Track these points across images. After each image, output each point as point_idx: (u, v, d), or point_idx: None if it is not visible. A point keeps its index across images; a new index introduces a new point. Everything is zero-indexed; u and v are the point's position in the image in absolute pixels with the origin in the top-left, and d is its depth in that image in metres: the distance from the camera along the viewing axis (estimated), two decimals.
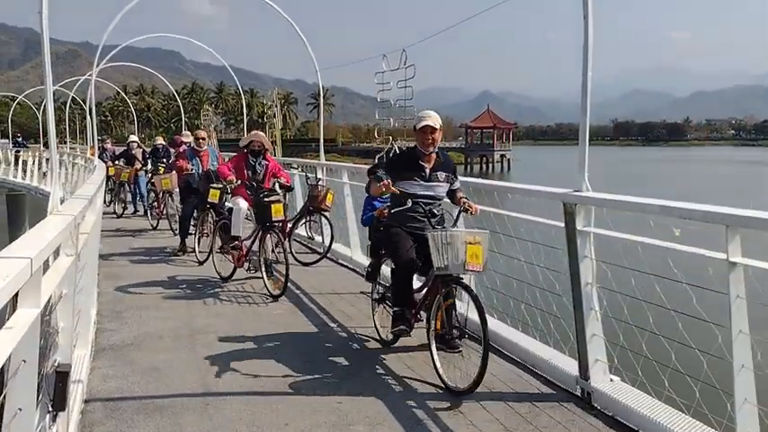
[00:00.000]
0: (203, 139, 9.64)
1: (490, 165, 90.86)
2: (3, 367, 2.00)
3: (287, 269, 6.72)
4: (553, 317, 4.76)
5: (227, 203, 10.08)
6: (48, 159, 22.96)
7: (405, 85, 6.48)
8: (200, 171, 9.30)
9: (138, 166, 14.14)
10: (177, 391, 4.27)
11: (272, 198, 6.94)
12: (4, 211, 26.04)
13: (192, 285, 7.41)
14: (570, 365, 4.30)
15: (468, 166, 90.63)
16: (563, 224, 4.11)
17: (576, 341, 4.14)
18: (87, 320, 4.86)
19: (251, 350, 5.13)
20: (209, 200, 8.54)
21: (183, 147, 11.50)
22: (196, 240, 9.11)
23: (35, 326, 2.23)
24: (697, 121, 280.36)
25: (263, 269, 7.02)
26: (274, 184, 7.42)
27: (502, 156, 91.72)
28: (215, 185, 8.41)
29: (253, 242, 7.23)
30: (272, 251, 7.15)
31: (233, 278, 7.58)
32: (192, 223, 9.65)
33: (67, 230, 2.82)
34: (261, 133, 7.89)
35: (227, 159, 8.96)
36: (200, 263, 8.56)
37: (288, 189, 7.77)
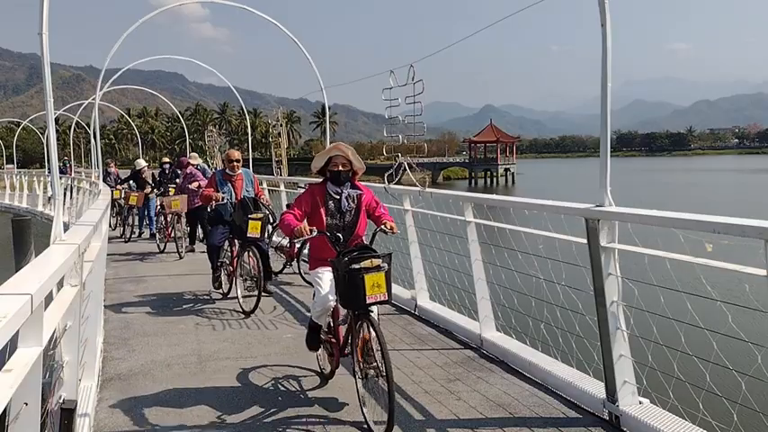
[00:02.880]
0: (237, 161, 7.71)
1: (494, 179, 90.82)
2: (3, 412, 1.85)
3: (388, 377, 3.68)
4: (576, 337, 4.59)
5: (277, 238, 9.43)
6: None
7: (413, 101, 6.34)
8: (234, 199, 7.55)
9: (149, 189, 14.06)
10: (189, 423, 4.10)
11: (365, 262, 3.88)
12: (10, 236, 25.94)
13: (201, 310, 7.26)
14: (596, 387, 4.12)
15: (473, 181, 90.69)
16: (585, 240, 3.96)
17: (601, 362, 3.96)
18: (93, 349, 4.71)
19: (263, 377, 4.96)
20: (249, 234, 7.05)
21: (190, 168, 11.41)
22: (238, 285, 7.37)
23: (37, 365, 2.08)
24: (700, 130, 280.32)
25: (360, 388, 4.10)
26: (375, 233, 4.40)
27: (506, 170, 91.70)
28: (254, 216, 7.01)
29: (349, 333, 4.26)
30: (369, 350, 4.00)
31: (256, 312, 7.06)
32: (221, 259, 7.90)
33: (71, 261, 2.68)
34: (345, 144, 4.66)
35: (264, 185, 7.78)
36: (246, 314, 6.86)
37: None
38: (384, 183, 7.34)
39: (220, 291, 7.92)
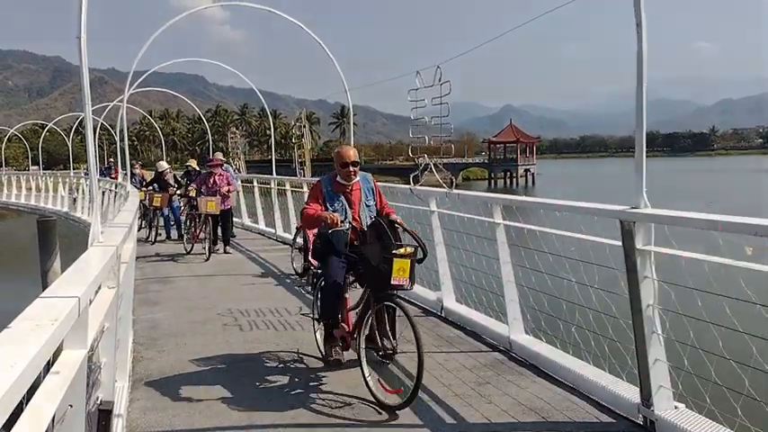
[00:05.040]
0: (355, 165, 4.89)
1: (514, 179, 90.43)
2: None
3: None
4: (608, 340, 4.53)
5: (299, 239, 7.56)
6: (76, 186, 23.04)
7: (440, 102, 6.33)
8: (350, 218, 4.86)
9: (172, 191, 14.06)
10: (220, 424, 4.12)
11: None
12: (36, 236, 26.34)
13: (228, 311, 7.28)
14: (630, 392, 4.07)
15: (492, 182, 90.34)
16: (618, 243, 3.92)
17: (636, 366, 3.92)
18: (125, 350, 4.76)
19: (293, 378, 4.97)
20: (394, 281, 4.35)
21: (220, 169, 11.35)
22: (363, 366, 4.55)
23: (82, 368, 2.10)
24: (723, 129, 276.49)
25: None
26: None
27: (526, 170, 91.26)
28: (401, 251, 4.40)
29: None
30: None
31: (267, 300, 7.35)
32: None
33: (111, 263, 2.70)
34: None
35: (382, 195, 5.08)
36: (394, 410, 4.20)
37: None
38: (410, 184, 7.33)
39: (332, 357, 5.04)
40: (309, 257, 5.74)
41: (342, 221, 4.73)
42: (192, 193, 12.17)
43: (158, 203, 13.85)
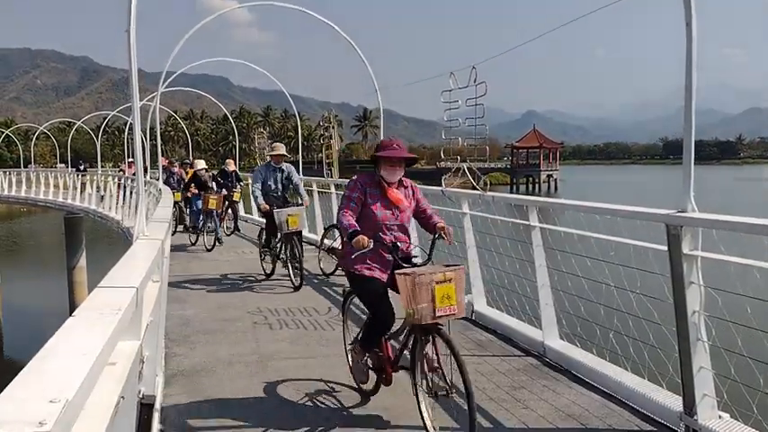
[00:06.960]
0: None
1: (536, 185, 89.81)
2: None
3: None
4: (648, 347, 4.45)
5: (328, 240, 7.06)
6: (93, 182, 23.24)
7: (475, 103, 6.28)
8: None
9: (218, 194, 12.83)
10: (253, 423, 4.11)
11: None
12: (63, 233, 26.70)
13: (259, 309, 7.29)
14: (671, 400, 3.99)
15: (514, 187, 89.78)
16: (659, 247, 3.85)
17: (678, 373, 3.83)
18: (160, 345, 4.77)
19: (324, 377, 4.95)
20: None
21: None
22: None
23: (136, 359, 2.09)
24: (750, 138, 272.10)
25: None
26: None
27: (548, 176, 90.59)
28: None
29: None
30: None
31: (296, 300, 7.38)
32: None
33: (159, 256, 2.70)
34: None
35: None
36: None
37: None
38: (442, 186, 7.29)
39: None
40: None
41: None
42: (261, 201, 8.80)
43: (214, 206, 12.26)
